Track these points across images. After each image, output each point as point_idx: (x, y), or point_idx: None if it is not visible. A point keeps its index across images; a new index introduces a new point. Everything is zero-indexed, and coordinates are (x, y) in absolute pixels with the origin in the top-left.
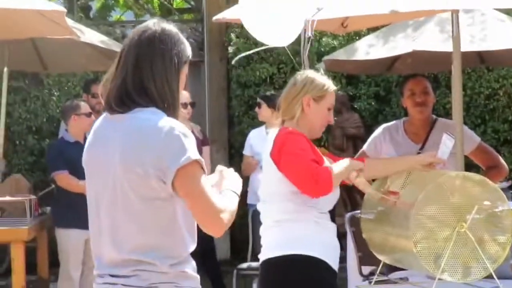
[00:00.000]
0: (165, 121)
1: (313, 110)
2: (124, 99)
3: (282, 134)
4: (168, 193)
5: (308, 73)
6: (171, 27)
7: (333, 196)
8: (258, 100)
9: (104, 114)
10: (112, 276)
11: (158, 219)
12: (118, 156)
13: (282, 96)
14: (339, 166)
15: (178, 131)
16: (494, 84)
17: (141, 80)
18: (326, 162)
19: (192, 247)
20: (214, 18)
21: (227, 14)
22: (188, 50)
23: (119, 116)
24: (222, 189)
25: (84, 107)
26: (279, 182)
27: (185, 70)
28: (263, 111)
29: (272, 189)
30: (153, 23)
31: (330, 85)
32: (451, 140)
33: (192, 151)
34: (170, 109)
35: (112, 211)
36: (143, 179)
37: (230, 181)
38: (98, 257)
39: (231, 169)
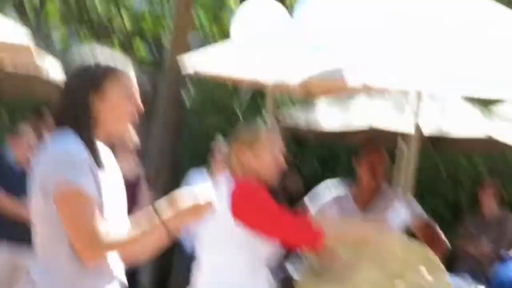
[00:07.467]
0: (62, 144)
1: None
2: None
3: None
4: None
5: None
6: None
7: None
8: None
9: None
10: None
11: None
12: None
13: None
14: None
15: (67, 153)
16: None
17: (60, 100)
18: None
19: None
20: None
21: None
22: (106, 64)
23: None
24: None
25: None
26: (233, 233)
27: (104, 87)
28: None
29: (223, 237)
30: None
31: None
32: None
33: (71, 176)
34: (82, 127)
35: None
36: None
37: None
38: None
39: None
